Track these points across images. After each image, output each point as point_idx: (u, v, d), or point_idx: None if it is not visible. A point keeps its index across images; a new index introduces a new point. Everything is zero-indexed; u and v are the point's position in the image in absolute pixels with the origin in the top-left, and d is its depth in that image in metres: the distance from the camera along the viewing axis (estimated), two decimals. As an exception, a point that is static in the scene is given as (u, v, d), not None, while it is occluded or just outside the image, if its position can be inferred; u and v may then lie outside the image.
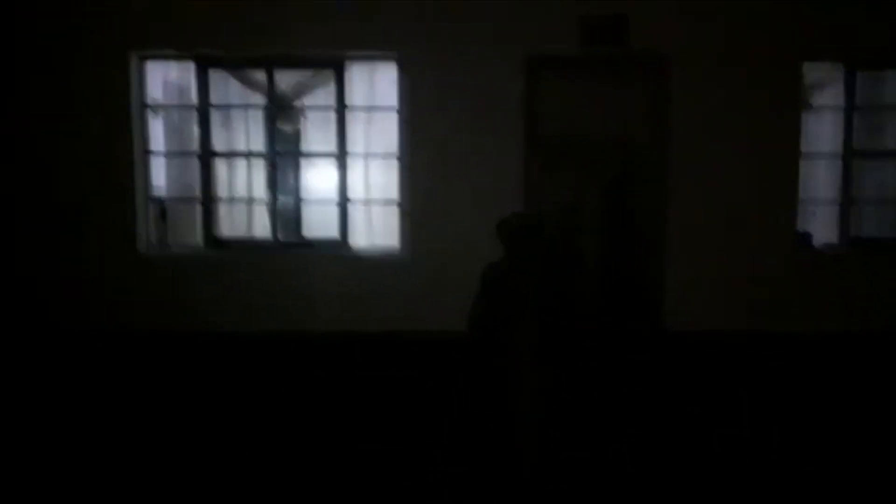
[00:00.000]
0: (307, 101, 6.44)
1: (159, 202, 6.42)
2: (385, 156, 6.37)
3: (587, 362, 5.57)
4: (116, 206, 6.14)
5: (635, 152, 6.25)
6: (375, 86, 6.47)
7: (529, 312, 4.02)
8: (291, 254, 6.33)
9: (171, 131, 6.53)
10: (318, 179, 6.55)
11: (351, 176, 6.43)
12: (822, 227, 6.51)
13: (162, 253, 6.35)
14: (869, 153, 6.41)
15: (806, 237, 6.40)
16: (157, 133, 6.45)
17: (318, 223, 6.53)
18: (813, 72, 6.33)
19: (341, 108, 6.29)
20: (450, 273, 5.88)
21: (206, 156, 6.34)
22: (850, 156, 6.33)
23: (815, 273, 6.25)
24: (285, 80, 6.36)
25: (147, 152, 6.32)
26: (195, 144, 6.39)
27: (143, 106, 6.27)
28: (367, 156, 6.48)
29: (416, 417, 4.70)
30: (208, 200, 6.39)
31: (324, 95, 6.38)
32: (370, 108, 6.46)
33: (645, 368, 5.79)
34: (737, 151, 6.12)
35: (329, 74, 6.31)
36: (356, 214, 6.52)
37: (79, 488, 3.64)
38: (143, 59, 6.24)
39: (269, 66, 6.26)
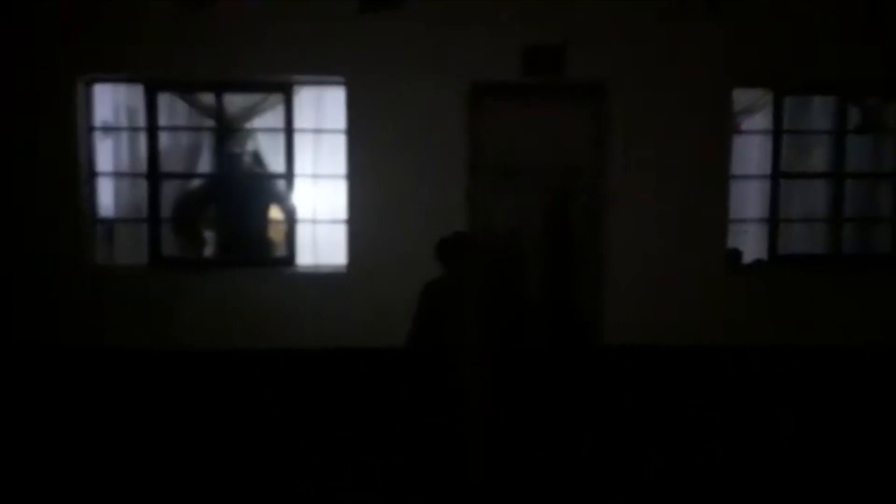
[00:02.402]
0: (256, 123, 6.54)
1: (106, 222, 6.47)
2: (332, 177, 6.49)
3: (525, 373, 5.75)
4: (64, 227, 6.17)
5: (575, 176, 6.45)
6: (323, 109, 6.61)
7: (473, 323, 4.20)
8: (239, 272, 6.38)
9: (120, 152, 6.60)
10: (266, 199, 6.64)
11: (299, 196, 6.54)
12: (751, 244, 6.77)
13: (108, 271, 6.39)
14: (795, 174, 6.71)
15: (736, 254, 6.65)
16: (105, 154, 6.51)
17: (267, 242, 6.65)
18: (743, 97, 6.59)
19: (290, 131, 6.41)
20: (394, 290, 5.87)
21: (154, 177, 6.39)
22: (778, 177, 6.61)
23: (745, 288, 6.48)
24: (235, 103, 6.46)
25: (94, 174, 6.38)
26: (143, 166, 6.45)
27: (91, 128, 6.32)
28: (315, 176, 6.61)
29: (359, 430, 4.77)
30: (155, 220, 6.43)
31: (273, 118, 6.49)
32: (318, 131, 6.60)
33: (581, 380, 6.00)
34: (671, 173, 6.34)
35: (278, 98, 6.42)
36: (304, 233, 6.63)
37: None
38: (91, 82, 6.31)
39: (219, 89, 6.36)
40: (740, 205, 6.68)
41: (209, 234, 6.64)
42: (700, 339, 6.35)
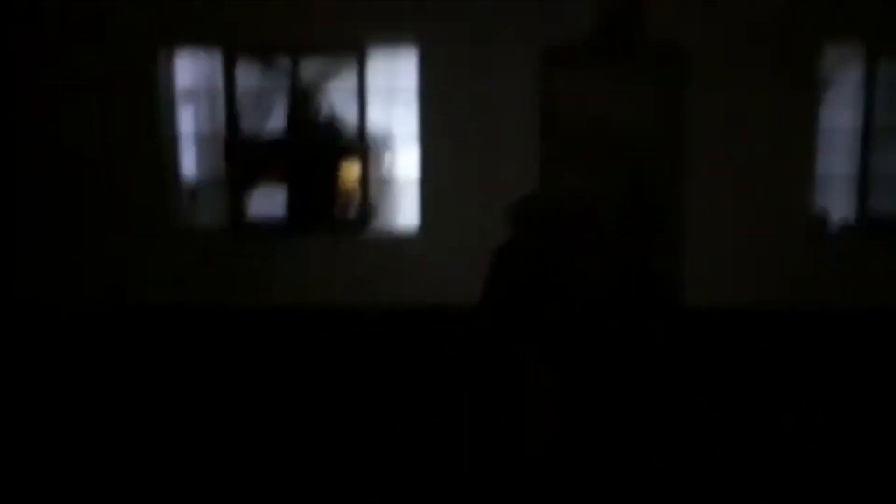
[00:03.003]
0: (330, 86, 6.59)
1: (189, 185, 6.67)
2: (407, 138, 6.52)
3: (603, 342, 5.64)
4: (148, 189, 6.39)
5: (652, 140, 6.31)
6: (396, 71, 6.59)
7: (543, 293, 4.02)
8: (315, 234, 6.54)
9: (200, 117, 6.75)
10: (341, 162, 6.71)
11: (373, 158, 6.62)
12: (840, 204, 6.51)
13: (190, 233, 6.60)
14: (889, 129, 6.36)
15: (823, 213, 6.44)
16: (187, 119, 6.70)
17: (342, 204, 6.74)
18: (834, 51, 6.29)
19: (363, 93, 6.43)
20: (466, 252, 5.84)
21: (234, 141, 6.51)
22: (870, 133, 6.31)
23: (832, 250, 6.30)
24: (310, 66, 6.52)
25: (176, 137, 6.56)
26: (223, 130, 6.58)
27: (173, 92, 6.50)
28: (388, 139, 6.65)
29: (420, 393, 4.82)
30: (235, 184, 6.58)
31: (347, 81, 6.52)
32: (391, 91, 6.59)
33: (661, 344, 5.84)
34: (754, 133, 6.17)
35: (352, 60, 6.45)
36: (378, 194, 6.73)
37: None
38: (172, 49, 6.46)
39: (293, 53, 6.41)
40: (829, 161, 6.40)
41: (286, 197, 6.72)
42: (784, 304, 6.21)
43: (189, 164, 6.78)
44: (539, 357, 3.86)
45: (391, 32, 6.28)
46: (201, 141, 6.78)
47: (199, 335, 6.12)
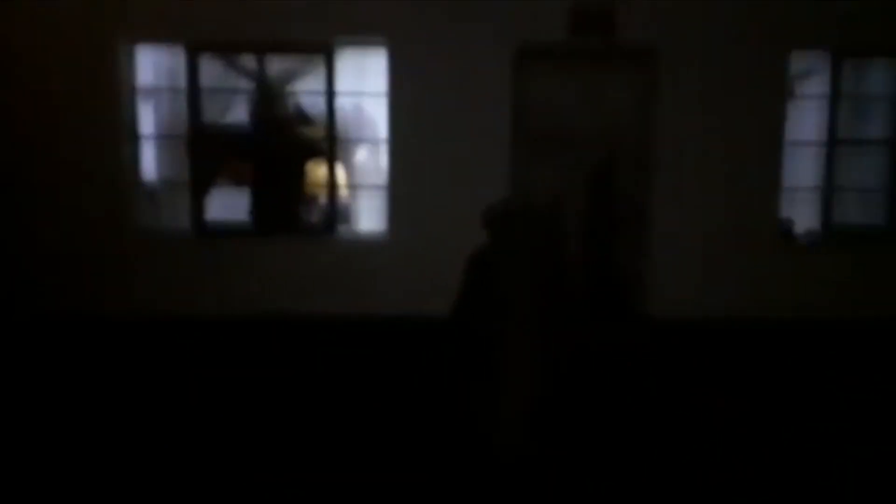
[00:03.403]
0: (297, 86, 6.46)
1: (149, 186, 6.46)
2: (374, 141, 6.42)
3: (573, 347, 5.60)
4: (107, 190, 6.17)
5: (622, 143, 6.30)
6: (365, 71, 6.48)
7: (519, 297, 3.98)
8: (279, 238, 6.38)
9: (162, 115, 6.54)
10: (307, 164, 6.60)
11: (340, 161, 6.49)
12: (804, 214, 6.58)
13: (150, 236, 6.38)
14: (852, 141, 6.45)
15: (788, 224, 6.48)
16: (147, 117, 6.49)
17: (308, 208, 6.63)
18: (799, 60, 6.35)
19: (331, 94, 6.32)
20: (434, 257, 5.93)
21: (197, 140, 6.34)
22: (834, 144, 6.38)
23: (797, 259, 6.35)
24: (276, 65, 6.38)
25: (136, 135, 6.36)
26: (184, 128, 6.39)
27: (133, 90, 6.30)
28: (356, 141, 6.53)
29: (397, 403, 4.72)
30: (198, 185, 6.40)
31: (314, 81, 6.40)
32: (359, 94, 6.48)
33: (625, 356, 5.83)
34: (723, 140, 6.19)
35: (319, 60, 6.33)
36: (344, 199, 6.61)
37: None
38: (133, 43, 6.26)
39: (260, 51, 6.29)
40: (794, 172, 6.45)
41: (249, 200, 6.58)
42: (749, 313, 6.24)
43: (150, 163, 6.58)
44: (510, 361, 3.81)
45: (360, 32, 6.16)
46: (163, 140, 6.58)
47: (159, 344, 5.91)
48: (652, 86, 6.20)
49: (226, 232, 6.45)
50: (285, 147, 6.53)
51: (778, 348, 5.96)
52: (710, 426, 4.40)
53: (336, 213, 6.48)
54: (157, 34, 6.22)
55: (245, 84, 6.48)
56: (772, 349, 5.95)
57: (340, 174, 6.50)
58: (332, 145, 6.38)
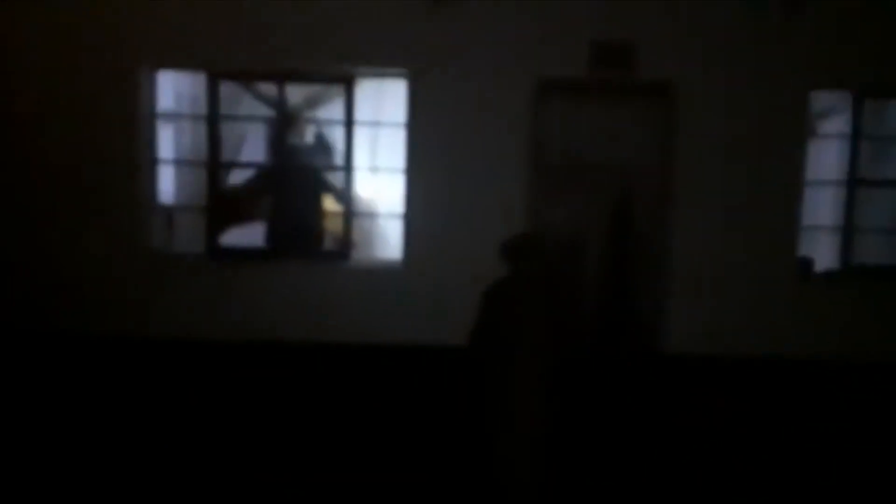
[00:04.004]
0: (316, 114, 6.53)
1: (166, 209, 6.46)
2: (391, 170, 6.41)
3: (585, 383, 5.55)
4: (123, 212, 6.17)
5: (641, 177, 6.27)
6: (384, 101, 6.55)
7: (534, 332, 4.04)
8: (294, 264, 6.33)
9: (181, 141, 6.63)
10: (324, 191, 6.60)
11: (357, 189, 6.46)
12: (824, 253, 6.53)
13: (164, 259, 6.37)
14: (873, 181, 6.41)
15: (807, 263, 6.40)
16: (167, 142, 6.52)
17: (323, 235, 6.62)
18: (820, 99, 6.36)
19: (350, 123, 6.32)
20: (449, 287, 5.95)
21: (214, 165, 6.36)
22: (854, 183, 6.33)
23: (816, 298, 6.24)
24: (295, 93, 6.43)
25: (154, 160, 6.36)
26: (203, 154, 6.39)
27: (153, 115, 6.31)
28: (374, 170, 6.54)
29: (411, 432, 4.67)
30: (214, 209, 6.39)
31: (333, 110, 6.46)
32: (378, 123, 6.52)
33: (640, 390, 5.84)
34: (742, 176, 6.14)
35: (339, 89, 6.36)
36: (360, 227, 6.59)
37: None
38: (155, 69, 6.30)
39: (280, 79, 6.30)
40: (813, 211, 6.42)
41: (266, 225, 6.59)
42: (767, 350, 6.14)
43: (168, 188, 6.61)
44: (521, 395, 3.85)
45: (381, 63, 6.17)
46: (182, 165, 6.65)
47: (171, 365, 5.92)
48: (671, 121, 6.18)
49: (240, 255, 6.41)
50: (303, 174, 6.54)
51: (795, 387, 5.93)
52: (718, 465, 4.33)
53: (351, 239, 6.45)
54: (179, 60, 6.24)
55: (265, 111, 6.50)
56: (788, 388, 5.92)
57: (357, 202, 6.48)
58: (349, 173, 6.36)
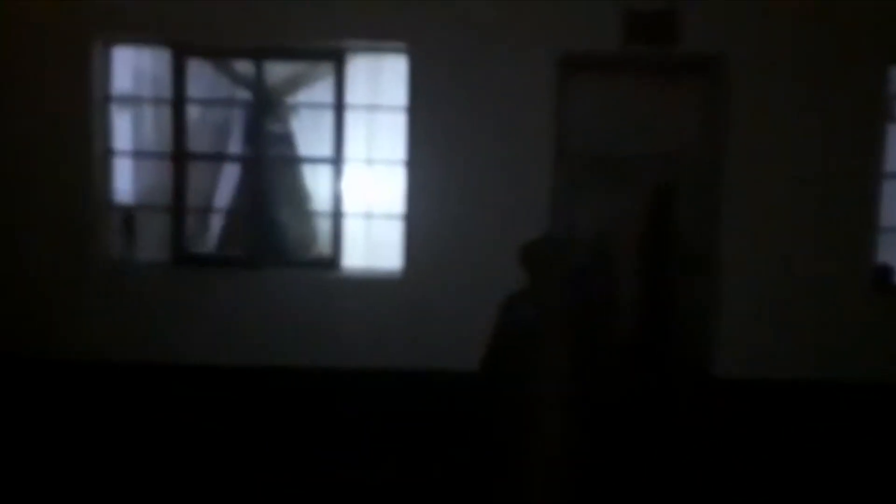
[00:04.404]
0: (300, 97, 6.18)
1: (124, 210, 6.03)
2: (390, 162, 6.00)
3: (617, 412, 4.99)
4: (73, 213, 5.69)
5: (684, 169, 5.85)
6: (381, 81, 6.28)
7: (563, 351, 3.60)
8: (275, 273, 5.94)
9: (141, 128, 6.28)
10: (309, 188, 6.30)
11: (348, 184, 6.10)
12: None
13: (125, 269, 5.92)
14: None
15: (886, 270, 5.92)
16: (124, 130, 6.15)
17: (308, 238, 6.40)
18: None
19: (340, 107, 5.91)
20: (459, 301, 5.56)
21: (181, 158, 5.89)
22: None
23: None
24: (276, 72, 6.06)
25: (110, 151, 5.91)
26: (168, 144, 5.98)
27: (107, 98, 5.87)
28: (369, 162, 6.18)
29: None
30: (180, 209, 5.93)
31: (320, 91, 6.08)
32: (373, 107, 6.15)
33: (686, 420, 5.41)
34: (805, 168, 5.67)
35: (327, 68, 5.97)
36: (352, 229, 6.20)
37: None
38: (109, 44, 5.85)
39: (258, 56, 5.90)
40: (893, 210, 5.92)
41: (241, 228, 6.23)
42: (836, 373, 5.66)
43: (126, 182, 6.21)
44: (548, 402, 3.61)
45: (375, 35, 5.76)
46: (142, 157, 6.28)
47: (130, 392, 5.47)
48: (721, 103, 5.68)
49: (212, 263, 6.05)
50: (284, 169, 6.22)
51: (867, 414, 5.45)
52: None
53: (342, 244, 6.04)
54: (139, 34, 5.83)
55: (240, 94, 6.15)
56: (860, 414, 5.44)
57: (348, 200, 6.09)
58: (338, 167, 5.94)
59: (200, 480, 4.29)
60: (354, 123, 6.11)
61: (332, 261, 5.98)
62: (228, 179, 6.25)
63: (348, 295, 5.87)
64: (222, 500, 4.13)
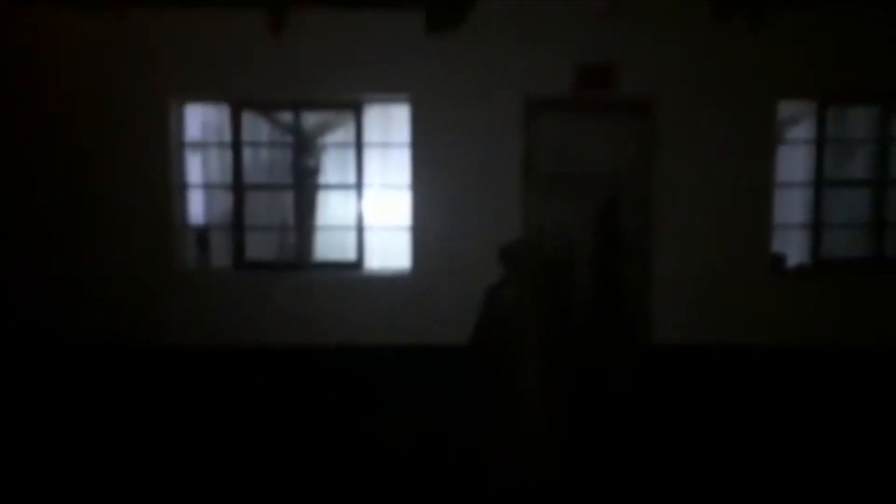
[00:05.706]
0: (329, 138, 6.93)
1: (197, 229, 6.95)
2: (399, 187, 6.83)
3: (582, 374, 5.87)
4: (159, 233, 6.61)
5: (624, 185, 6.66)
6: (390, 124, 6.95)
7: (533, 326, 4.13)
8: (313, 274, 6.74)
9: (208, 166, 7.10)
10: (337, 208, 7.01)
11: (368, 205, 6.89)
12: (795, 249, 6.94)
13: (199, 274, 6.83)
14: (838, 181, 6.83)
15: (780, 258, 6.80)
16: (195, 168, 7.01)
17: (338, 247, 6.96)
18: (787, 108, 6.79)
19: (360, 145, 6.78)
20: (454, 291, 6.33)
21: (239, 188, 6.83)
22: (821, 184, 6.78)
23: (789, 290, 6.64)
24: (310, 120, 6.86)
25: (185, 185, 6.86)
26: (229, 178, 6.88)
27: (182, 144, 6.80)
28: (383, 187, 6.95)
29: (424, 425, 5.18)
30: (239, 227, 6.84)
31: (344, 133, 6.87)
32: (385, 144, 6.94)
33: (635, 379, 6.30)
34: (717, 182, 6.53)
35: (349, 114, 6.81)
36: (372, 239, 6.95)
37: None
38: (182, 102, 6.77)
39: (296, 107, 6.78)
40: (784, 211, 6.80)
41: (287, 239, 7.01)
42: (743, 339, 6.54)
43: (198, 208, 7.07)
44: (523, 387, 4.01)
45: (386, 89, 6.58)
46: (210, 188, 7.10)
47: (207, 374, 6.42)
48: (651, 133, 6.58)
49: (264, 266, 6.82)
50: (318, 191, 6.99)
51: (769, 372, 6.38)
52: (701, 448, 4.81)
53: (364, 250, 6.85)
54: (205, 94, 6.70)
55: (283, 137, 6.94)
56: (764, 373, 6.38)
57: (368, 216, 6.87)
58: (360, 190, 6.81)
59: (274, 419, 5.28)
60: (371, 157, 6.91)
61: (357, 263, 6.82)
62: (276, 203, 6.94)
63: (369, 289, 6.67)
64: (295, 428, 5.07)
